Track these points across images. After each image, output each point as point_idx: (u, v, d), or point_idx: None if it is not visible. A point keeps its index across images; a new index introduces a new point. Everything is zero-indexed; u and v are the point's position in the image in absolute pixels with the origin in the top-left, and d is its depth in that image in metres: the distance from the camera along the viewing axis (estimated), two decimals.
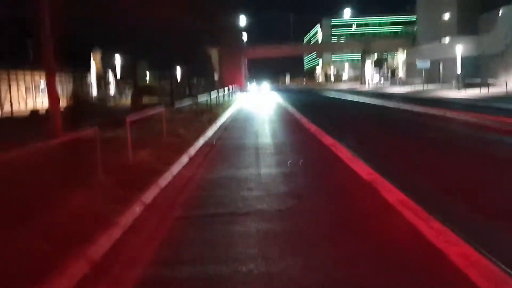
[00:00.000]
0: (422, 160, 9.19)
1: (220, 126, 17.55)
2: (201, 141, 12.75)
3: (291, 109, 24.90)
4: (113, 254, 4.45)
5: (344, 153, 9.74)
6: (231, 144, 12.35)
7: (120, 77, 49.90)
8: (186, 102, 21.35)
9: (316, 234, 4.94)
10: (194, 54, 50.06)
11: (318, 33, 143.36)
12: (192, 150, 11.10)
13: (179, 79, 56.10)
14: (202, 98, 24.79)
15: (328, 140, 11.92)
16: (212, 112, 21.83)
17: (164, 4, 27.95)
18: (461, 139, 11.96)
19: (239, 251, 4.44)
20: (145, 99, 31.94)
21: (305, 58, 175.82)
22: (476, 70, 43.26)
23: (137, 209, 5.88)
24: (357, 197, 6.41)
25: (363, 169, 7.94)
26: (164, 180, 7.54)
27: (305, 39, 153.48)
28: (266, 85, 73.92)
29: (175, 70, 56.72)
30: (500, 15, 42.70)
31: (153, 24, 26.51)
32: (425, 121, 16.58)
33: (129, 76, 46.23)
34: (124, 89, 48.06)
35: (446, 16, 51.52)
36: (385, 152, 10.36)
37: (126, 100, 39.20)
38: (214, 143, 12.87)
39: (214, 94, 29.02)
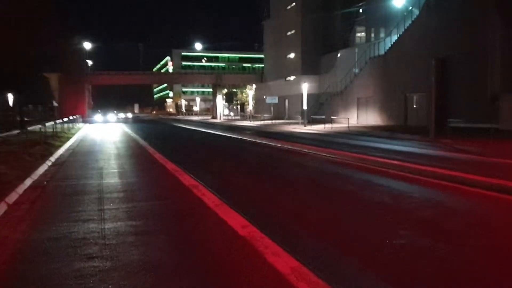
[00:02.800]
0: (290, 201, 8.20)
1: (55, 161, 14.75)
2: (28, 182, 10.14)
3: (142, 142, 22.76)
4: None
5: (209, 197, 8.28)
6: (68, 186, 9.96)
7: None
8: (14, 132, 17.83)
9: None
10: (28, 79, 44.75)
11: (168, 63, 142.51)
12: (14, 196, 8.57)
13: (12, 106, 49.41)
14: (37, 128, 21.33)
15: (188, 180, 10.36)
16: (47, 144, 18.68)
17: None
18: (322, 177, 11.43)
19: None
20: None
21: (155, 88, 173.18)
22: (319, 107, 46.29)
23: None
24: (238, 265, 4.93)
25: (235, 220, 6.56)
26: None
27: (155, 70, 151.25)
28: (112, 115, 69.60)
29: (5, 96, 49.93)
30: (338, 57, 46.65)
31: None
32: (286, 157, 16.09)
33: None
34: None
35: (291, 55, 54.75)
36: (251, 193, 9.17)
37: None
38: (45, 184, 10.33)
39: (52, 123, 25.51)
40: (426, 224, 6.46)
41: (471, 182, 9.29)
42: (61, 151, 17.81)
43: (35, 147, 16.61)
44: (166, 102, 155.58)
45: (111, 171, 12.29)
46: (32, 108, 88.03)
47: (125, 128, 38.68)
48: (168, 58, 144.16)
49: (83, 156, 16.52)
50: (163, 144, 22.84)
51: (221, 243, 5.61)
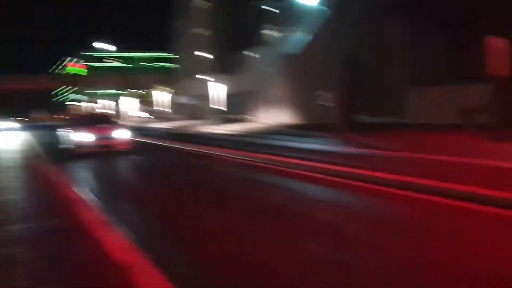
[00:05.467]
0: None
1: None
2: None
3: (42, 152, 20.69)
4: None
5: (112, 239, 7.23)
6: None
7: None
8: None
9: None
10: None
11: (69, 64, 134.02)
12: None
13: None
14: None
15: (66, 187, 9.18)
16: None
17: None
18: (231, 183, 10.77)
19: None
20: None
21: (59, 92, 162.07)
22: (233, 107, 45.75)
23: None
24: None
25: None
26: None
27: (55, 71, 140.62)
28: (12, 123, 61.56)
29: None
30: (252, 55, 46.41)
31: None
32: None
33: None
34: None
35: (204, 54, 53.81)
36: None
37: None
38: None
39: None
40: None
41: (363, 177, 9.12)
42: None
43: None
44: (75, 105, 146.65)
45: None
46: None
47: (27, 137, 35.43)
48: (69, 58, 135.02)
49: None
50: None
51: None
